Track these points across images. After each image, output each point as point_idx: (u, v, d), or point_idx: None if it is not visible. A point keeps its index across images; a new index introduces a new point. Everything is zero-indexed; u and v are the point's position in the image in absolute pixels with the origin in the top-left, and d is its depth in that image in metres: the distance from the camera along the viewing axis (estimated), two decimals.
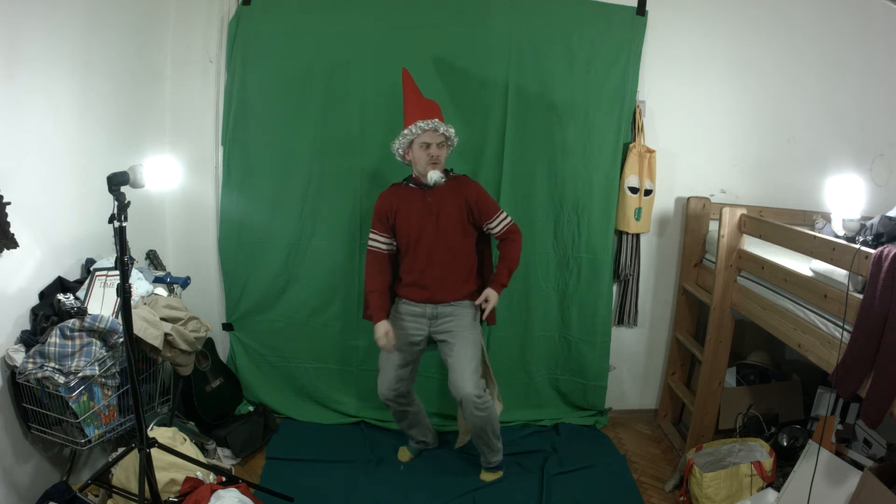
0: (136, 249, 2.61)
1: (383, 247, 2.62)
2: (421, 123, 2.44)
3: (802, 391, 3.12)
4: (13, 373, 1.98)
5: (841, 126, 3.26)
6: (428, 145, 2.46)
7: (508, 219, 2.62)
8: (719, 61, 3.16)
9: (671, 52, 3.10)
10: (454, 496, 2.63)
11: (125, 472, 2.08)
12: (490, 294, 2.56)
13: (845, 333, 1.98)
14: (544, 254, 3.18)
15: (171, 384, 2.61)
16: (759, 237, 2.62)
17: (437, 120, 2.47)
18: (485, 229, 2.62)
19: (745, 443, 2.72)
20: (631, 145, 3.10)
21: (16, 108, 1.98)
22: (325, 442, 3.00)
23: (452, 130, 2.53)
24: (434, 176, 2.48)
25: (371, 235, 2.63)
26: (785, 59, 3.18)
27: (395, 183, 2.66)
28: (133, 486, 2.01)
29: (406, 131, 2.47)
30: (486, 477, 2.76)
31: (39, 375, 1.92)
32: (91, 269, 2.31)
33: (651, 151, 3.11)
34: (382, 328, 2.53)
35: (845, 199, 2.38)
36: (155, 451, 2.00)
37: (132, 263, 2.41)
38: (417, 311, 2.61)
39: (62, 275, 2.26)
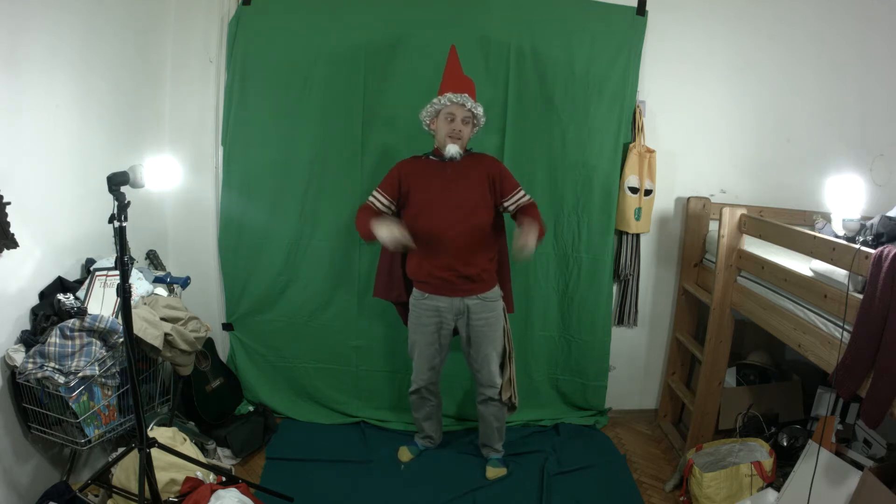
0: (136, 249, 2.60)
1: (381, 206, 2.56)
2: (450, 95, 2.48)
3: (802, 391, 3.12)
4: (13, 373, 1.97)
5: (841, 126, 3.26)
6: (452, 118, 2.49)
7: (528, 196, 2.59)
8: (719, 61, 3.16)
9: (671, 52, 3.10)
10: (454, 496, 2.63)
11: (125, 472, 2.08)
12: (530, 226, 2.34)
13: (845, 333, 1.98)
14: (544, 254, 3.18)
15: (171, 384, 2.61)
16: (759, 237, 2.62)
17: (467, 95, 2.50)
18: (504, 204, 2.57)
19: (745, 443, 2.72)
20: (631, 145, 3.10)
21: (16, 107, 1.98)
22: (325, 442, 3.00)
23: (481, 110, 2.56)
24: (451, 150, 2.49)
25: (373, 193, 2.57)
26: (785, 59, 3.18)
27: (416, 156, 2.65)
28: (133, 486, 2.01)
29: (435, 100, 2.51)
30: (492, 473, 2.77)
31: (39, 375, 1.92)
32: (91, 269, 2.30)
33: (651, 151, 3.11)
34: (385, 226, 2.31)
35: (845, 199, 2.38)
36: (155, 451, 2.00)
37: (132, 263, 2.41)
38: (442, 307, 2.61)
39: (62, 275, 2.25)
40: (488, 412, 2.77)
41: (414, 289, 2.69)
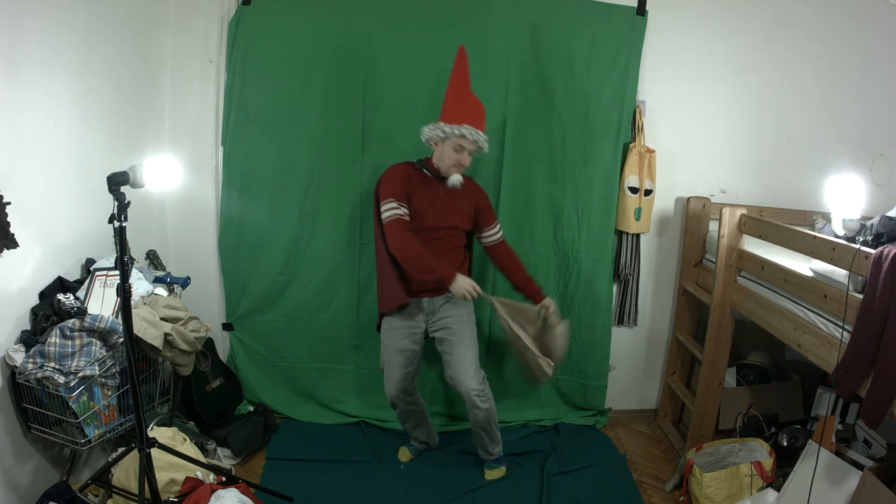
0: (136, 249, 2.60)
1: (407, 217, 2.47)
2: (468, 130, 2.43)
3: (802, 391, 3.12)
4: (13, 373, 1.97)
5: (841, 126, 3.26)
6: (461, 150, 2.48)
7: (501, 232, 2.76)
8: (719, 61, 3.16)
9: (671, 52, 3.10)
10: (454, 496, 2.63)
11: (125, 472, 2.08)
12: (550, 301, 2.71)
13: (845, 333, 1.98)
14: (544, 254, 3.18)
15: (171, 384, 2.61)
16: (759, 237, 2.63)
17: (481, 133, 2.48)
18: (481, 235, 2.71)
19: (745, 443, 2.72)
20: (631, 145, 3.10)
21: (16, 107, 1.98)
22: (325, 442, 3.00)
23: (487, 145, 2.55)
24: (455, 180, 2.53)
25: (393, 204, 2.43)
26: (785, 59, 3.19)
27: (409, 163, 2.61)
28: (133, 486, 2.01)
29: (448, 129, 2.44)
30: (491, 475, 2.77)
31: (39, 375, 1.92)
32: (91, 269, 2.30)
33: (651, 151, 3.12)
34: (467, 279, 2.46)
35: (845, 199, 2.38)
36: (155, 451, 2.00)
37: (132, 263, 2.41)
38: (413, 309, 2.61)
39: (62, 275, 2.25)
40: (474, 421, 2.65)
41: None
